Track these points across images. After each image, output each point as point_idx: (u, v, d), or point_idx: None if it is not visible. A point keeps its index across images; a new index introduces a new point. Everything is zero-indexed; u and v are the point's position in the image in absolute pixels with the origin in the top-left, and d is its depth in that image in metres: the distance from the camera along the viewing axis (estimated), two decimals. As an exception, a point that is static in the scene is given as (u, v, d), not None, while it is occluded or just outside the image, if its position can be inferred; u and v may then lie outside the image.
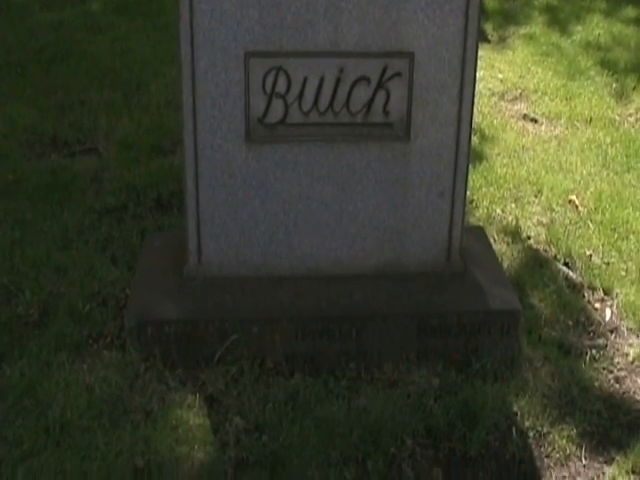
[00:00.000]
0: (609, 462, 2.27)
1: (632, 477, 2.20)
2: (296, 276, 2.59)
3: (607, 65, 5.44)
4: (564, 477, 2.22)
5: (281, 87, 2.38)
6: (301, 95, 2.39)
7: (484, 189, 3.65)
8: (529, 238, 3.31)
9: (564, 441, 2.32)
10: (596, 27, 6.25)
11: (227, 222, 2.54)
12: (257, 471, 2.16)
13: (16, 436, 2.25)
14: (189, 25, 2.29)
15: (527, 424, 2.36)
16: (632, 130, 4.45)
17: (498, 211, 3.49)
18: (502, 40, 5.94)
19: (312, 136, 2.46)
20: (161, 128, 4.17)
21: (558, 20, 6.46)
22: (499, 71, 5.25)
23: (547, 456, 2.28)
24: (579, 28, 6.22)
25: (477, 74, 2.46)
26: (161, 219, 3.34)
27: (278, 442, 2.24)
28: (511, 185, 3.71)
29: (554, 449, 2.30)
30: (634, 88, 5.04)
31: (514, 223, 3.39)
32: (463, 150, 2.49)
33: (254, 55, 2.34)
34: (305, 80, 2.38)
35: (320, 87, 2.39)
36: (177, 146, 4.00)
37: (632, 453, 2.27)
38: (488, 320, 2.54)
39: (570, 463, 2.27)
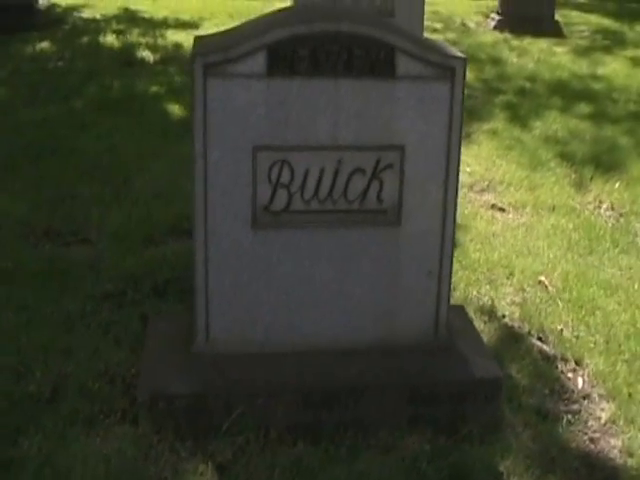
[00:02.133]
0: (590, 515, 2.48)
1: (612, 528, 2.40)
2: (297, 351, 2.79)
3: (566, 157, 5.81)
4: (550, 530, 2.42)
5: (285, 178, 2.63)
6: (303, 185, 2.65)
7: (460, 273, 3.89)
8: (504, 316, 3.55)
9: (548, 496, 2.53)
10: (553, 122, 6.67)
11: (233, 302, 2.75)
12: (269, 531, 2.33)
13: (39, 504, 2.40)
14: (202, 121, 2.54)
15: (513, 484, 2.57)
16: (592, 217, 4.77)
17: (474, 293, 3.73)
18: (468, 135, 6.29)
19: (313, 222, 2.70)
20: (150, 220, 4.35)
21: (518, 116, 6.88)
22: (467, 164, 5.56)
23: (533, 511, 2.48)
24: (538, 123, 6.63)
25: (460, 166, 2.75)
26: (159, 305, 3.49)
27: (287, 504, 2.41)
28: (485, 269, 3.97)
29: (539, 504, 2.50)
30: (591, 178, 5.39)
31: (489, 303, 3.64)
32: (448, 233, 2.75)
33: (261, 149, 2.60)
34: (307, 171, 2.64)
35: (320, 178, 2.64)
36: (168, 237, 4.22)
37: (610, 506, 2.49)
38: (473, 388, 2.76)
39: (555, 518, 2.47)
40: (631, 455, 2.74)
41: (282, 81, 2.55)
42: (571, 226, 4.60)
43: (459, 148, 2.68)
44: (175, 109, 6.74)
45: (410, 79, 2.60)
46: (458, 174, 2.71)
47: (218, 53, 2.49)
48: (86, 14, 10.92)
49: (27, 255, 3.98)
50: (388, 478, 2.52)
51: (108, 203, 4.61)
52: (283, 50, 2.51)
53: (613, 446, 2.79)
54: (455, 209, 2.74)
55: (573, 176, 5.46)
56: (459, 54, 2.65)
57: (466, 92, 7.60)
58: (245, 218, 2.66)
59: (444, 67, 2.60)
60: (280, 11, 2.79)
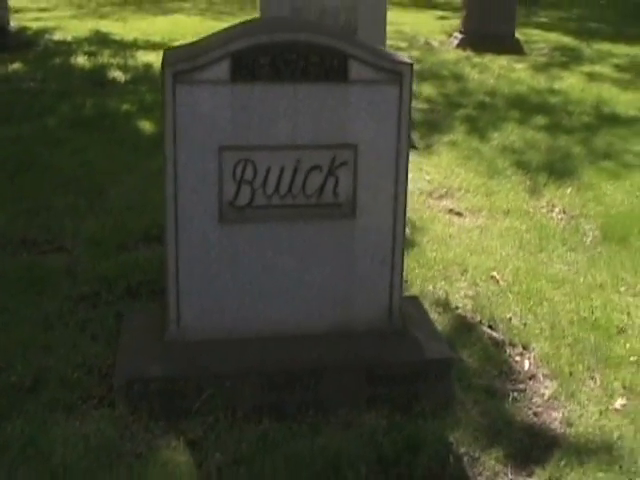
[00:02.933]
0: (531, 475, 2.72)
1: (549, 486, 2.65)
2: (262, 337, 3.02)
3: (521, 165, 6.10)
4: (494, 490, 2.67)
5: (248, 175, 2.87)
6: (265, 182, 2.88)
7: (417, 270, 4.14)
8: (457, 308, 3.79)
9: (493, 462, 2.76)
10: (511, 133, 6.97)
11: (202, 293, 2.97)
12: (237, 496, 2.55)
13: (24, 476, 2.59)
14: (172, 125, 2.77)
15: (462, 451, 2.80)
16: (544, 219, 5.05)
17: (430, 288, 3.97)
18: (428, 147, 6.57)
19: (274, 216, 2.94)
20: (124, 229, 4.55)
21: (477, 128, 7.17)
22: (427, 173, 5.83)
23: (479, 474, 2.72)
24: (496, 135, 6.92)
25: (409, 163, 3.00)
26: (132, 304, 3.67)
27: (254, 473, 2.63)
28: (440, 266, 4.22)
29: (485, 469, 2.74)
30: (545, 184, 5.68)
31: (444, 296, 3.88)
32: (400, 225, 2.99)
33: (226, 149, 2.83)
34: (268, 169, 2.88)
35: (281, 175, 2.88)
36: (139, 244, 4.42)
37: (549, 466, 2.74)
38: (426, 368, 3.00)
39: (498, 479, 2.71)
40: (570, 425, 2.99)
41: (245, 86, 2.79)
42: (524, 228, 4.87)
43: (408, 146, 2.93)
44: (146, 126, 6.97)
45: (362, 84, 2.85)
46: (407, 170, 2.96)
47: (186, 62, 2.73)
48: (57, 36, 11.13)
49: (5, 263, 4.15)
50: (347, 450, 2.73)
51: (83, 214, 4.80)
52: (245, 58, 2.75)
53: (555, 418, 3.04)
54: (405, 203, 2.99)
55: (528, 183, 5.74)
56: (406, 60, 2.91)
57: (428, 106, 7.98)
58: (212, 213, 2.89)
59: (393, 72, 2.85)
60: (245, 22, 3.03)
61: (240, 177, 2.86)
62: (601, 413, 3.06)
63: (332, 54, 2.78)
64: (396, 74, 2.85)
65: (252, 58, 2.75)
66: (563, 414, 3.06)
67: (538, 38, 12.36)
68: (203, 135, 2.81)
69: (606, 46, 11.93)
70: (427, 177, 5.75)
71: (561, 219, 5.11)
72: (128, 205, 4.94)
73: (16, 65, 9.06)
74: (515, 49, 10.97)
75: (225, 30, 3.02)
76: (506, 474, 2.72)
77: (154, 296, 3.75)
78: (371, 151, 2.91)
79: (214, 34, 3.02)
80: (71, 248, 4.37)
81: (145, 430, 2.83)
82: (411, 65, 2.88)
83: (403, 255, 3.07)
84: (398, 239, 3.01)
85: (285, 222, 2.95)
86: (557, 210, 5.25)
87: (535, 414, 3.06)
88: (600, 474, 2.72)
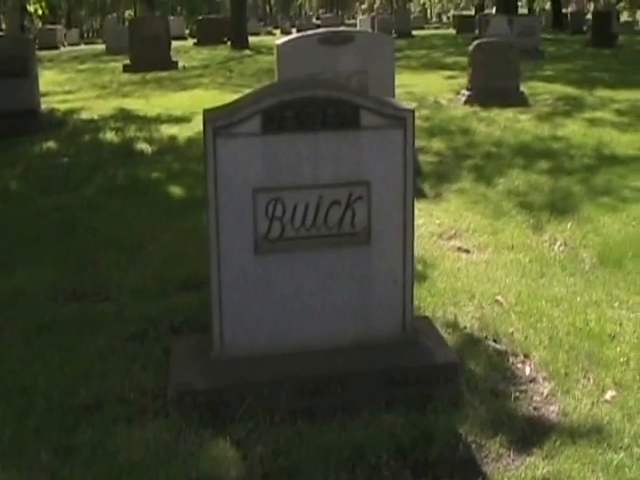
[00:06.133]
0: (530, 455, 3.15)
1: (546, 461, 3.08)
2: (293, 351, 3.49)
3: (525, 206, 6.59)
4: (498, 467, 3.09)
5: (279, 212, 3.37)
6: (293, 217, 3.38)
7: (429, 299, 4.58)
8: (465, 327, 4.23)
9: (497, 446, 3.19)
10: (516, 178, 7.48)
11: (241, 315, 3.46)
12: (278, 479, 3.01)
13: (97, 472, 3.06)
14: (213, 172, 3.28)
15: (470, 439, 3.23)
16: (545, 251, 5.51)
17: (440, 312, 4.41)
18: (438, 195, 7.08)
19: (301, 246, 3.42)
20: (163, 279, 5.04)
21: (484, 176, 7.69)
22: (437, 218, 6.33)
23: (485, 457, 3.15)
24: (502, 180, 7.44)
25: (415, 202, 3.50)
26: (176, 340, 4.18)
27: (291, 460, 3.08)
28: (450, 294, 4.67)
29: (490, 452, 3.17)
30: (547, 221, 6.16)
31: (453, 319, 4.33)
32: (409, 249, 3.48)
33: (259, 190, 3.34)
34: (295, 206, 3.38)
35: (306, 210, 3.38)
36: (178, 291, 4.91)
37: (546, 446, 3.17)
38: (436, 372, 3.45)
39: (502, 459, 3.14)
40: (566, 415, 3.42)
41: (274, 137, 3.32)
42: (527, 259, 5.33)
43: (413, 180, 3.44)
44: (176, 190, 7.55)
45: (372, 129, 3.37)
46: (414, 202, 3.46)
47: (224, 119, 3.26)
48: (84, 116, 11.88)
49: (59, 311, 4.64)
50: (370, 441, 3.18)
51: (125, 267, 5.31)
52: (273, 113, 3.28)
53: (552, 411, 3.47)
54: (413, 229, 3.49)
55: (531, 221, 6.22)
56: (409, 107, 3.43)
57: (437, 159, 8.52)
58: (249, 246, 3.39)
59: (397, 118, 3.37)
60: (270, 85, 3.57)
61: (272, 214, 3.37)
62: (593, 404, 3.49)
63: (345, 106, 3.31)
64: (400, 119, 3.37)
65: (279, 113, 3.28)
66: (559, 407, 3.49)
67: (542, 90, 12.95)
68: (239, 179, 3.32)
69: (608, 93, 12.50)
70: (437, 221, 6.24)
71: (562, 250, 5.57)
72: (165, 259, 5.45)
73: (50, 143, 9.76)
74: (520, 102, 11.56)
75: (254, 91, 3.56)
76: (509, 455, 3.16)
77: (195, 333, 4.22)
78: (382, 186, 3.42)
79: (246, 95, 3.56)
80: (117, 297, 4.86)
81: (196, 435, 3.27)
82: (412, 111, 3.40)
83: (413, 275, 3.55)
84: (408, 261, 3.49)
85: (310, 251, 3.44)
86: (558, 243, 5.71)
87: (535, 408, 3.49)
88: (590, 450, 3.15)
